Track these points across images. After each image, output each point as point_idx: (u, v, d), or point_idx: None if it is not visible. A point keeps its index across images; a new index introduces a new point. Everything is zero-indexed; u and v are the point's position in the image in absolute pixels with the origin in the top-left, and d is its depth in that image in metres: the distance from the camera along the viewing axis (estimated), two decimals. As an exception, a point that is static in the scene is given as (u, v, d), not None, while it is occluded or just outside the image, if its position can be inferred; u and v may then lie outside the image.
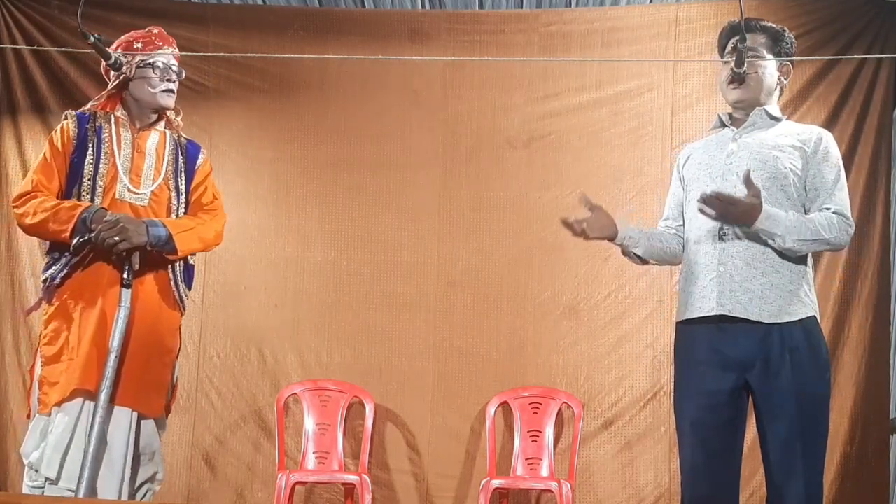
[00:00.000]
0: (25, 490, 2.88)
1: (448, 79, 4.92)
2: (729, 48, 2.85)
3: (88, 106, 3.13)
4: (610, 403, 4.64)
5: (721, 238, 2.72)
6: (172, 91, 3.12)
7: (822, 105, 4.61)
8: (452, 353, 4.74)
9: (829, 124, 4.44)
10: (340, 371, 4.75)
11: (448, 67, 4.90)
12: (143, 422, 2.98)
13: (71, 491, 2.77)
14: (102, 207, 2.93)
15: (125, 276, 2.91)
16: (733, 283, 2.68)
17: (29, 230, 3.01)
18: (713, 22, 4.60)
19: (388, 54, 4.81)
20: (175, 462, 4.63)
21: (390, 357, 4.76)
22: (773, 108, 2.87)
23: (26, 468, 2.90)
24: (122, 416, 2.90)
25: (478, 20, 4.99)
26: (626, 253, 2.93)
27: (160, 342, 3.04)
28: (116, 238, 2.85)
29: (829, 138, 2.78)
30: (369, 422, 4.60)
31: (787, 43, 2.88)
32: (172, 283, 3.09)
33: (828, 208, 2.68)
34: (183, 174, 3.15)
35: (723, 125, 2.90)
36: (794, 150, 2.75)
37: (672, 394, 2.88)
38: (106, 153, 3.01)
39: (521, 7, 5.06)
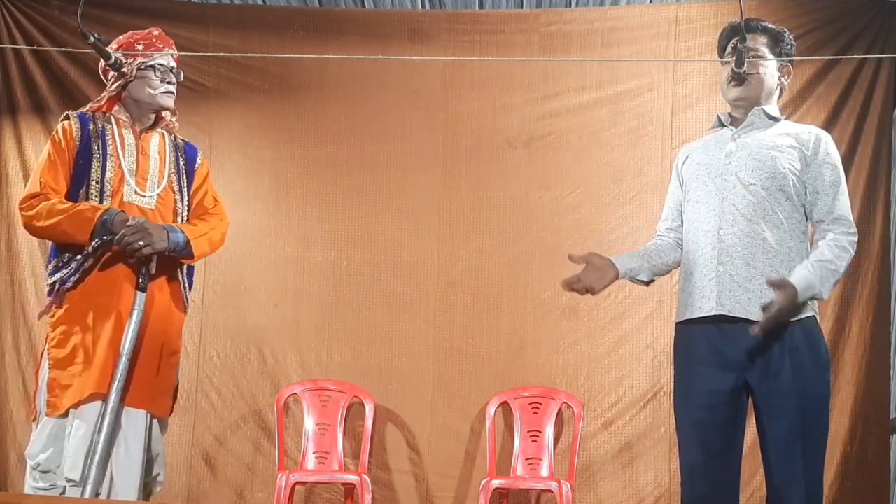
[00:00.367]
0: (29, 492, 2.87)
1: (448, 79, 4.92)
2: (729, 49, 2.86)
3: (88, 107, 3.12)
4: (610, 403, 4.64)
5: (720, 238, 2.72)
6: (172, 92, 3.12)
7: (822, 105, 4.61)
8: (452, 353, 4.74)
9: (829, 124, 4.45)
10: (340, 371, 4.75)
11: (448, 67, 4.91)
12: (153, 423, 3.00)
13: (97, 493, 2.78)
14: (121, 210, 2.92)
15: (141, 279, 2.91)
16: (733, 283, 2.68)
17: (40, 232, 2.97)
18: (713, 22, 4.60)
19: (388, 54, 4.81)
20: (175, 462, 4.63)
21: (390, 357, 4.76)
22: (772, 108, 2.87)
23: (30, 469, 2.88)
24: (139, 419, 2.91)
25: (478, 20, 4.99)
26: (632, 280, 2.92)
27: (169, 344, 3.05)
28: (141, 243, 2.85)
29: (828, 140, 2.78)
30: (369, 422, 4.60)
31: (787, 44, 2.88)
32: (181, 285, 3.10)
33: (829, 229, 2.67)
34: (185, 176, 3.15)
35: (721, 125, 2.90)
36: (793, 150, 2.75)
37: (672, 394, 2.88)
38: (111, 155, 3.00)
39: (521, 7, 5.07)
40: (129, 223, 2.86)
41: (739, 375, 2.66)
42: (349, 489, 4.53)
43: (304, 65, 4.98)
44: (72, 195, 2.96)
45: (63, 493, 2.81)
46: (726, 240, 2.71)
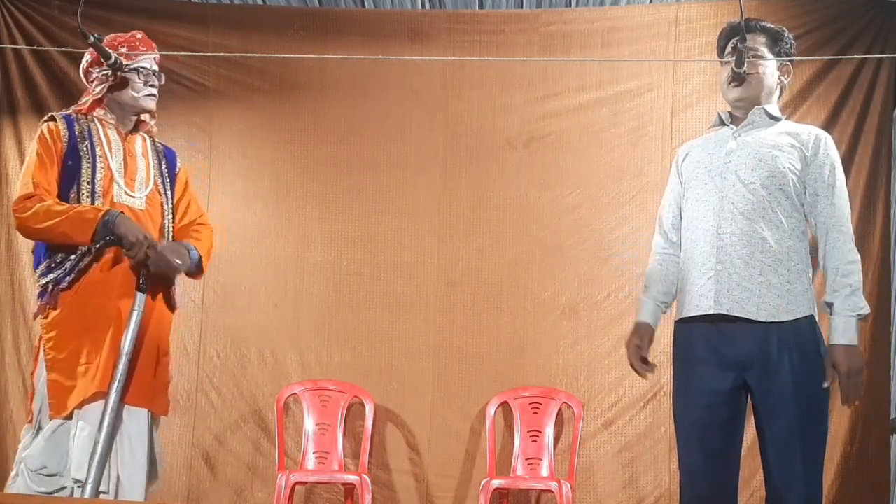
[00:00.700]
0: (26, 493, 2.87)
1: (448, 79, 4.92)
2: (729, 49, 2.86)
3: (71, 109, 3.11)
4: (610, 403, 4.64)
5: (719, 237, 2.72)
6: (155, 95, 3.14)
7: (822, 105, 4.60)
8: (452, 353, 4.74)
9: (829, 124, 4.45)
10: (340, 371, 4.75)
11: (448, 67, 4.90)
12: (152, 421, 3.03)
13: (104, 493, 2.79)
14: (121, 212, 2.93)
15: (142, 280, 2.92)
16: (731, 281, 2.67)
17: (37, 234, 2.94)
18: (713, 22, 4.60)
19: (388, 54, 4.81)
20: (175, 462, 4.63)
21: (390, 357, 4.76)
22: (773, 107, 2.87)
23: (27, 473, 2.85)
24: (141, 417, 2.94)
25: (478, 20, 4.99)
26: None
27: (163, 343, 3.09)
28: (178, 261, 2.97)
29: (828, 140, 2.78)
30: (369, 422, 4.60)
31: (787, 43, 2.89)
32: (171, 285, 3.12)
33: (828, 233, 2.67)
34: (168, 180, 3.18)
35: (722, 123, 2.90)
36: (794, 149, 2.75)
37: (671, 393, 2.88)
38: (100, 156, 3.01)
39: (521, 7, 5.06)
40: (144, 236, 2.90)
41: (738, 375, 2.66)
42: (349, 489, 4.53)
43: (303, 65, 4.98)
44: (62, 196, 2.95)
45: (71, 494, 2.81)
46: (725, 238, 2.71)
